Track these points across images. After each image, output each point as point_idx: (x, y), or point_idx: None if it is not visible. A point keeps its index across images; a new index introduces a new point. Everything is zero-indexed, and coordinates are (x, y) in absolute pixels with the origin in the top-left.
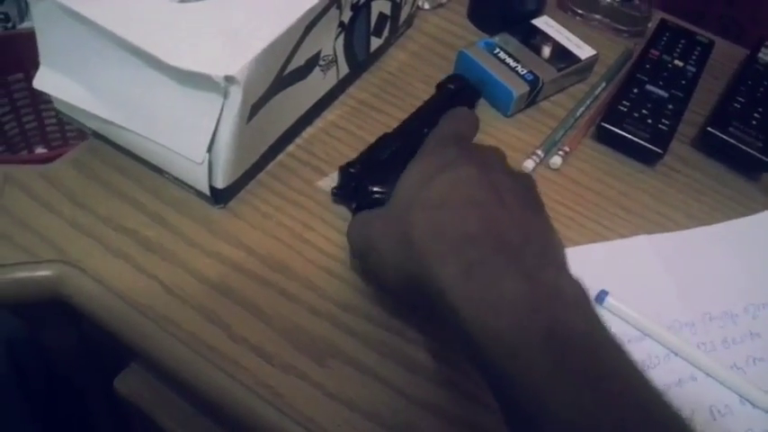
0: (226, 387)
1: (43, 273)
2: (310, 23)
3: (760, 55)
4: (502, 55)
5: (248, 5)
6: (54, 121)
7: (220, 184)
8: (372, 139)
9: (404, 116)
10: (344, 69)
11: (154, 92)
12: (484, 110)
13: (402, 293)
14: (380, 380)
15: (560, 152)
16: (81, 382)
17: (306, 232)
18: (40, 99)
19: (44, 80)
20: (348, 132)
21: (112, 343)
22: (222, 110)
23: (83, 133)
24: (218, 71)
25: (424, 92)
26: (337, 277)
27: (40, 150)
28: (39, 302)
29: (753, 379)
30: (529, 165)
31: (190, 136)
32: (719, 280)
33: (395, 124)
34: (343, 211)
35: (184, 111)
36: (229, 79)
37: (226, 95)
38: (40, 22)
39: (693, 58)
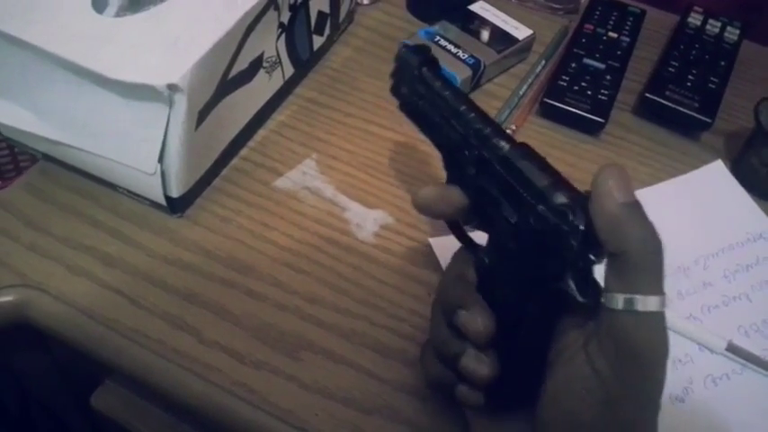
0: (201, 390)
1: (5, 298)
2: (249, 26)
3: (689, 20)
4: (443, 42)
5: (185, 14)
6: (6, 152)
7: (175, 192)
8: (324, 136)
9: (353, 110)
10: (289, 69)
11: (99, 108)
12: None
13: None
14: (353, 366)
15: (508, 131)
16: (56, 402)
17: (266, 232)
18: None
19: None
20: (299, 131)
21: (85, 361)
22: (169, 119)
23: (36, 160)
24: (160, 80)
25: (371, 85)
26: (301, 272)
27: None
28: (4, 328)
29: (709, 326)
30: None
31: (140, 148)
32: (670, 236)
33: (345, 119)
34: (306, 208)
35: (131, 123)
36: (172, 87)
37: (171, 104)
38: None
39: (627, 28)
